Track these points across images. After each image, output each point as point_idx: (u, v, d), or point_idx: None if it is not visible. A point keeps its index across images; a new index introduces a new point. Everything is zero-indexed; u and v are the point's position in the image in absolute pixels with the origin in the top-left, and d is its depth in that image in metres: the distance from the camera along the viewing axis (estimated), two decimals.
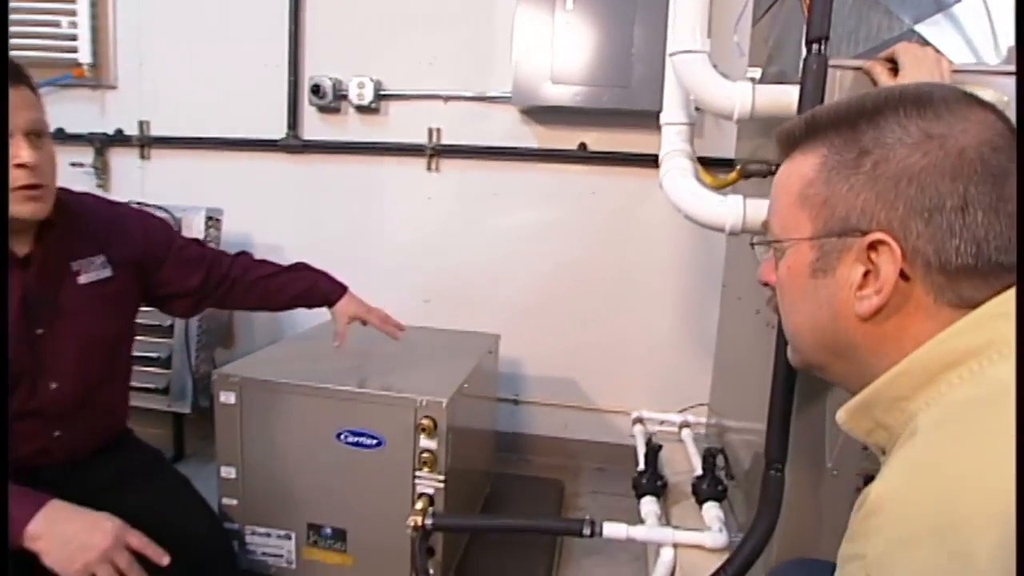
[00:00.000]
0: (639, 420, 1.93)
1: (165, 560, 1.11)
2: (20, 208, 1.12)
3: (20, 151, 1.09)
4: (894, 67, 1.04)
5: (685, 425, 1.92)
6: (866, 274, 0.57)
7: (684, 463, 1.73)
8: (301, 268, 1.62)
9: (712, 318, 2.16)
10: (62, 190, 1.23)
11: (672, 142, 1.26)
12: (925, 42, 1.16)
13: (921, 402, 0.55)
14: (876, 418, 0.60)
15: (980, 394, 0.51)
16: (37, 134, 1.12)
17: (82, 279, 1.26)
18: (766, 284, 0.70)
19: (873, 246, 0.56)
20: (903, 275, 0.55)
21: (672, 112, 1.28)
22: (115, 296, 1.32)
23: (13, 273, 1.17)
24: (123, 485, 1.28)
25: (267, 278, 1.57)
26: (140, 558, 1.11)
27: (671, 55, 1.18)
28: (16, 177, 1.10)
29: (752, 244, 0.72)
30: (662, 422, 1.97)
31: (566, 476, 2.28)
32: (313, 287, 1.60)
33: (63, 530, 1.05)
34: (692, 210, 1.18)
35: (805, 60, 1.04)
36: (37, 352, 1.21)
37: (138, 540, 1.09)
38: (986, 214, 0.53)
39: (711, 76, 1.14)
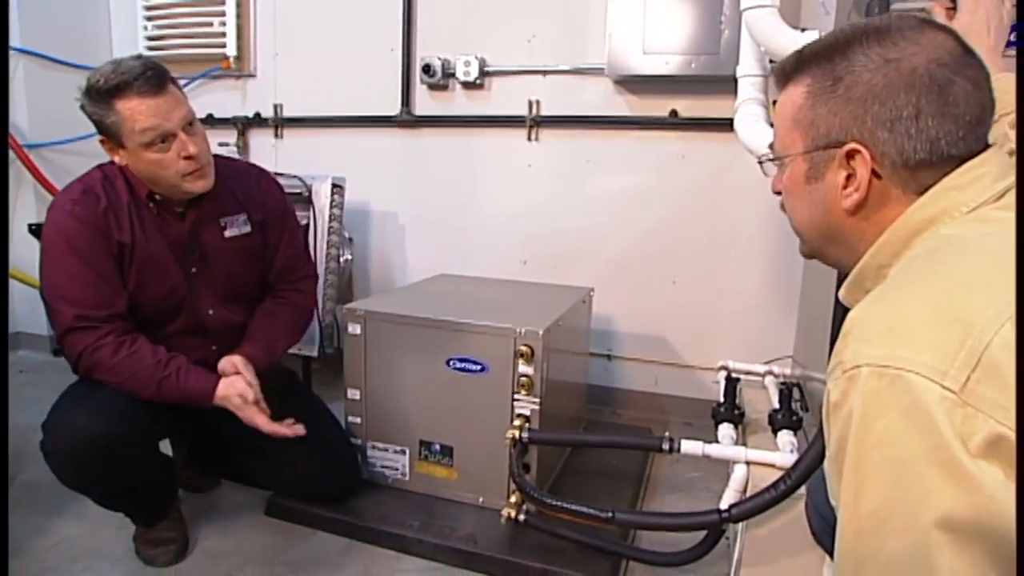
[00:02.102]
0: (724, 367, 2.03)
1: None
2: (192, 186, 1.45)
3: (187, 146, 1.39)
4: (953, 7, 1.10)
5: (769, 373, 2.00)
6: (848, 177, 0.71)
7: (765, 404, 1.82)
8: (259, 331, 1.63)
9: (797, 276, 2.23)
10: (217, 158, 1.52)
11: (747, 91, 1.38)
12: None
13: (896, 265, 0.70)
14: (867, 288, 0.74)
15: (930, 247, 0.67)
16: (190, 123, 1.41)
17: (228, 232, 1.58)
18: (777, 193, 0.85)
19: (850, 154, 0.70)
20: (876, 174, 0.70)
21: (747, 65, 1.40)
22: (251, 247, 1.62)
23: (172, 223, 1.50)
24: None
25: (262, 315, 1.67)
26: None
27: (743, 11, 1.30)
28: (186, 166, 1.40)
29: (759, 161, 0.87)
30: (748, 372, 2.05)
31: (655, 428, 2.40)
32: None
33: (231, 386, 1.43)
34: (762, 151, 1.29)
35: (868, 5, 1.13)
36: (194, 286, 1.54)
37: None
38: (935, 118, 0.66)
39: (779, 27, 1.25)
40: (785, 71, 0.77)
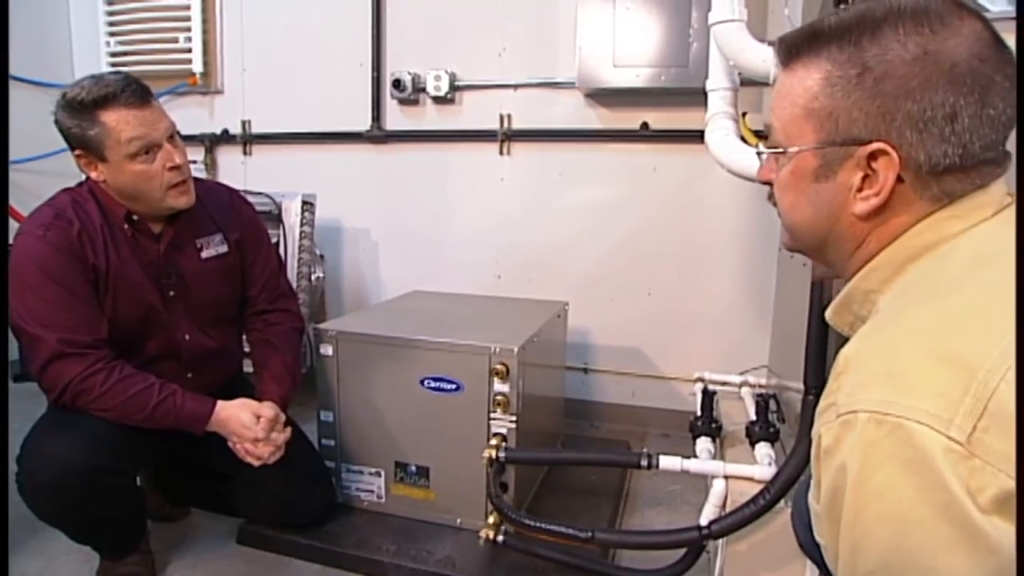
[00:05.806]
0: (700, 379, 2.02)
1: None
2: (176, 201, 1.43)
3: (173, 156, 1.38)
4: None
5: (745, 384, 2.00)
6: (865, 178, 0.64)
7: (741, 415, 1.82)
8: (270, 370, 1.62)
9: (770, 285, 2.24)
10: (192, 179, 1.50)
11: (717, 105, 1.38)
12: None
13: (886, 292, 0.67)
14: (854, 311, 0.71)
15: (924, 273, 0.63)
16: (172, 136, 1.40)
17: (204, 253, 1.55)
18: (766, 183, 0.76)
19: (874, 155, 0.62)
20: (898, 178, 0.63)
21: (716, 79, 1.40)
22: (228, 268, 1.60)
23: (148, 246, 1.46)
24: None
25: (272, 349, 1.65)
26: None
27: (712, 25, 1.30)
28: (171, 177, 1.39)
29: (758, 153, 0.76)
30: (724, 383, 2.05)
31: (633, 440, 2.40)
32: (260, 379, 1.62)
33: (234, 418, 1.42)
34: (733, 164, 1.29)
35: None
36: (172, 310, 1.50)
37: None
38: (972, 120, 0.60)
39: (747, 42, 1.25)
40: (795, 48, 0.67)
